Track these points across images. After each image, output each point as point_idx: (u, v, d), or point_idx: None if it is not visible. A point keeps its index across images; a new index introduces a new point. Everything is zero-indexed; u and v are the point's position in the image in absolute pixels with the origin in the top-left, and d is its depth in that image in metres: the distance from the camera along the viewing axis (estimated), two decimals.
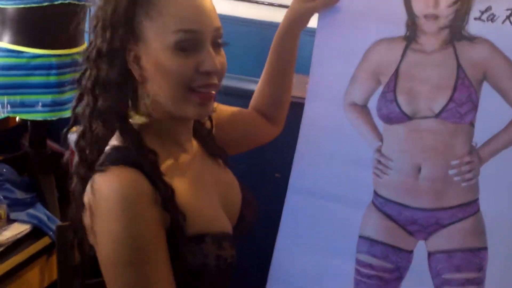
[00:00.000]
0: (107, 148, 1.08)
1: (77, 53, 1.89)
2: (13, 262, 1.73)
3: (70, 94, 1.89)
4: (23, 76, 1.83)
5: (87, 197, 1.05)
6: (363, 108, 1.26)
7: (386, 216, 1.23)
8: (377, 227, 1.24)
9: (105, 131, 1.08)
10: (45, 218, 1.85)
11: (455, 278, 1.20)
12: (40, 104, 1.85)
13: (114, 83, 1.06)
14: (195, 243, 1.06)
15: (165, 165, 1.09)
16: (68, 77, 1.88)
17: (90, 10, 1.91)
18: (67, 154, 1.42)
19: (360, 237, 1.25)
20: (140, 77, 1.08)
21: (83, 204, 1.06)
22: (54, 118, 1.88)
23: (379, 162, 1.24)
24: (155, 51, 1.05)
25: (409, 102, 1.21)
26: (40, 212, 1.88)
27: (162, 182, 1.04)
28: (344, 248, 1.25)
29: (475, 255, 1.18)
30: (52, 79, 1.85)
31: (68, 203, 1.14)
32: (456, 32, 1.19)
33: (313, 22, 1.31)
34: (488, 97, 1.18)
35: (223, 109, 1.32)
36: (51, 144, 2.14)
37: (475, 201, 1.19)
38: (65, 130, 1.15)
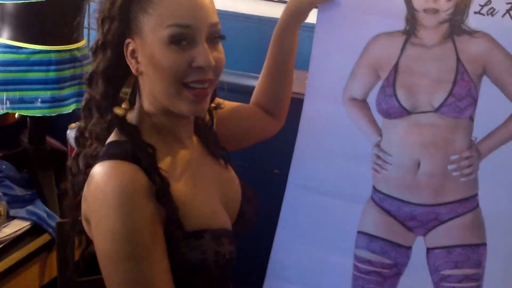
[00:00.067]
0: (106, 142, 1.09)
1: (77, 49, 1.89)
2: (13, 259, 1.72)
3: (70, 90, 1.89)
4: (22, 72, 1.83)
5: (84, 191, 1.06)
6: (362, 103, 1.25)
7: (385, 212, 1.23)
8: (376, 223, 1.23)
9: (103, 124, 1.09)
10: (44, 215, 1.84)
11: (453, 274, 1.19)
12: (39, 100, 1.84)
13: (111, 75, 1.07)
14: (194, 238, 1.06)
15: (164, 160, 1.10)
16: (67, 73, 1.88)
17: (89, 6, 1.91)
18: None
19: (359, 232, 1.24)
20: (136, 71, 1.08)
21: (80, 198, 1.07)
22: (53, 114, 1.88)
23: (378, 157, 1.23)
24: (150, 46, 1.05)
25: (409, 96, 1.21)
26: (39, 208, 1.87)
27: (158, 176, 1.04)
28: (343, 244, 1.25)
29: (474, 251, 1.18)
30: (52, 75, 1.85)
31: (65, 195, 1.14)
32: (455, 26, 1.19)
33: (312, 18, 1.31)
34: (487, 91, 1.17)
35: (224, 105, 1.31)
36: (50, 140, 2.14)
37: (474, 197, 1.18)
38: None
